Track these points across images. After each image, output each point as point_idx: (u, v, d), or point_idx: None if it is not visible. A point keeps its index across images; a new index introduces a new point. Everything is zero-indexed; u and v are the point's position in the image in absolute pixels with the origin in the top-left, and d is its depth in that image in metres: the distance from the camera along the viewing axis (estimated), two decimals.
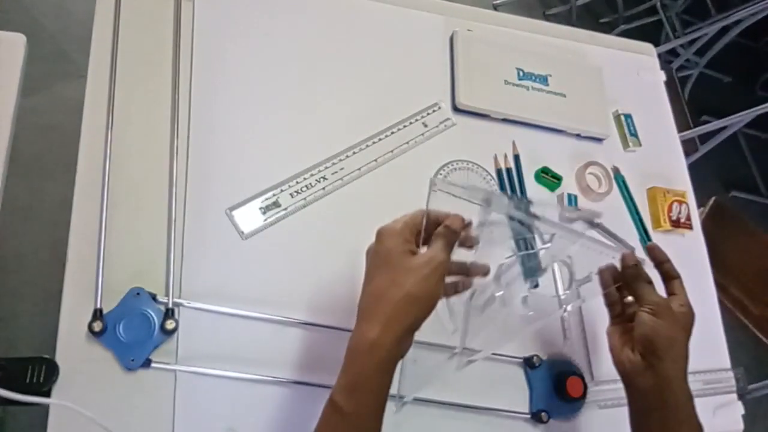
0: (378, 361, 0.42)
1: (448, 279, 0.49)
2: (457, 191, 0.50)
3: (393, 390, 0.45)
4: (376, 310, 0.43)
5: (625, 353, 0.52)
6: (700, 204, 0.82)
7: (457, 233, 0.47)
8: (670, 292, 0.55)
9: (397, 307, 0.42)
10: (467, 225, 0.49)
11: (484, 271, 0.52)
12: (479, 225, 0.50)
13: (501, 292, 0.52)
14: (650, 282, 0.53)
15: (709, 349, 0.72)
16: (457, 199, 0.50)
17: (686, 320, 0.52)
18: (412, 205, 0.66)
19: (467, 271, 0.51)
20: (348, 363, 0.43)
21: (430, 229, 0.48)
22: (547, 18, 2.18)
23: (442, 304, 0.49)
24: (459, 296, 0.51)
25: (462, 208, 0.49)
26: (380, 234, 0.47)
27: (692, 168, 0.83)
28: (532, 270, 0.67)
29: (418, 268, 0.43)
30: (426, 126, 0.71)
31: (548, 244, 0.52)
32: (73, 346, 0.50)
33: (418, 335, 0.45)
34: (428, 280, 0.43)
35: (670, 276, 0.56)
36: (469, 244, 0.50)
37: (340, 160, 0.65)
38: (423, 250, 0.47)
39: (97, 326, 0.50)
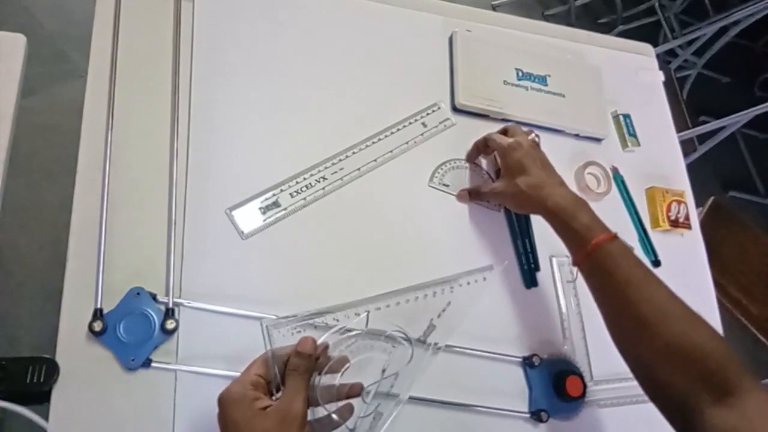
0: None
1: (321, 410, 0.45)
2: (296, 324, 0.46)
3: None
4: None
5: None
6: (699, 204, 0.83)
7: (312, 356, 0.43)
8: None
9: None
10: (325, 347, 0.45)
11: (357, 392, 0.47)
12: (339, 342, 0.46)
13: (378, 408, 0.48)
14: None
15: None
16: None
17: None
18: (411, 205, 0.67)
19: (338, 395, 0.46)
20: None
21: (283, 367, 0.44)
22: (546, 18, 2.19)
23: None
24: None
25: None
26: (221, 403, 0.42)
27: (691, 168, 0.84)
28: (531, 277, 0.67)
29: (274, 430, 0.39)
30: (425, 126, 0.71)
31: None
32: (74, 346, 0.50)
33: None
34: None
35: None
36: (335, 367, 0.46)
37: (340, 160, 0.65)
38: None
39: (98, 326, 0.50)
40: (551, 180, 0.60)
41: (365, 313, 0.48)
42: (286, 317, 0.46)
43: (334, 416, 0.45)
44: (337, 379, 0.46)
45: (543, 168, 0.61)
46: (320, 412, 0.45)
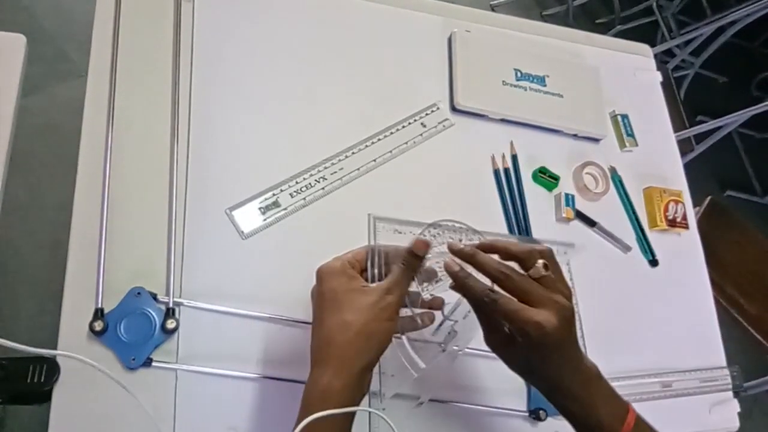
0: (332, 407, 0.40)
1: (404, 312, 0.46)
2: (398, 225, 0.48)
3: None
4: (327, 354, 0.41)
5: None
6: (696, 203, 0.83)
7: (421, 259, 0.45)
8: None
9: (347, 349, 0.40)
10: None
11: (438, 305, 0.50)
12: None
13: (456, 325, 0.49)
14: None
15: (705, 347, 0.73)
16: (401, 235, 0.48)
17: None
18: (411, 205, 0.67)
19: (422, 303, 0.49)
20: (301, 413, 0.41)
21: (385, 261, 0.45)
22: (544, 18, 2.19)
23: (401, 345, 0.46)
24: (419, 332, 0.48)
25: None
26: (321, 274, 0.45)
27: (688, 167, 0.84)
28: None
29: (369, 305, 0.41)
30: (425, 126, 0.71)
31: None
32: (74, 346, 0.50)
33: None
34: (380, 317, 0.41)
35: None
36: (425, 278, 0.48)
37: (340, 160, 0.65)
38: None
39: (98, 326, 0.50)
40: (570, 367, 0.45)
41: (462, 239, 0.50)
42: (394, 219, 0.49)
43: (417, 319, 0.48)
44: (423, 289, 0.49)
45: (567, 353, 0.45)
46: (405, 312, 0.47)
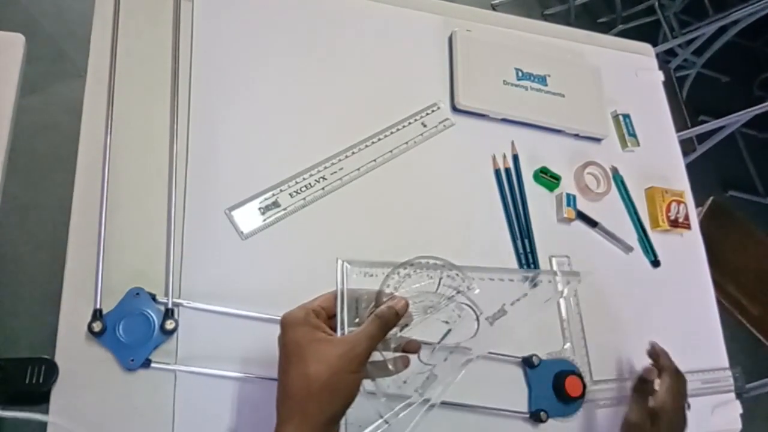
0: None
1: (375, 356, 0.44)
2: (369, 268, 0.46)
3: None
4: (290, 406, 0.40)
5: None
6: (698, 204, 0.83)
7: (399, 317, 0.44)
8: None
9: (310, 404, 0.39)
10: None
11: (414, 348, 0.47)
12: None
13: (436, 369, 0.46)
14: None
15: (707, 348, 0.72)
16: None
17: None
18: (411, 205, 0.67)
19: (395, 347, 0.47)
20: None
21: (356, 305, 0.44)
22: (546, 18, 2.19)
23: (372, 387, 0.44)
24: (393, 378, 0.46)
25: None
26: (283, 324, 0.43)
27: (690, 167, 0.84)
28: None
29: (334, 357, 0.40)
30: (425, 126, 0.71)
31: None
32: (73, 347, 0.50)
33: None
34: (345, 369, 0.40)
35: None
36: (403, 323, 0.46)
37: (340, 160, 0.65)
38: (343, 332, 0.44)
39: (97, 326, 0.50)
40: None
41: (438, 278, 0.47)
42: (366, 261, 0.47)
43: (390, 365, 0.45)
44: (397, 332, 0.46)
45: None
46: (377, 357, 0.45)
